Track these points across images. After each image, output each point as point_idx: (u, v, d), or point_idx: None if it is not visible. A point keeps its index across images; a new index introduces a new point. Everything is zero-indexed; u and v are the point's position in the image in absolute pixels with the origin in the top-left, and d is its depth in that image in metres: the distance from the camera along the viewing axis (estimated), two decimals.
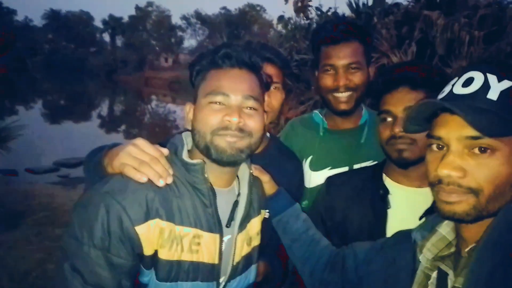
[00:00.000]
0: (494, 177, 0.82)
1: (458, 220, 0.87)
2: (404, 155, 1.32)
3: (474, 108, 0.84)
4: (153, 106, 29.64)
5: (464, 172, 0.84)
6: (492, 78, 0.86)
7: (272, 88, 1.59)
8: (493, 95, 0.84)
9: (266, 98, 1.54)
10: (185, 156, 1.15)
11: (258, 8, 62.64)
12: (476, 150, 0.83)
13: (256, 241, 1.33)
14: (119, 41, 69.41)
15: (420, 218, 1.30)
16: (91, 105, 27.96)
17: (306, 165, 1.82)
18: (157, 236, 1.06)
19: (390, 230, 1.37)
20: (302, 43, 7.50)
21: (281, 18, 9.22)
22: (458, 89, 0.89)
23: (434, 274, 0.95)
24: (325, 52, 1.75)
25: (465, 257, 0.89)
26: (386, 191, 1.42)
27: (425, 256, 0.97)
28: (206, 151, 1.12)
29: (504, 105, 0.83)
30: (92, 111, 24.57)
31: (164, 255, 1.08)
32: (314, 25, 7.78)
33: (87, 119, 21.45)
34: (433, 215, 1.02)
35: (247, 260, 1.28)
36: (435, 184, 0.88)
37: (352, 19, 6.48)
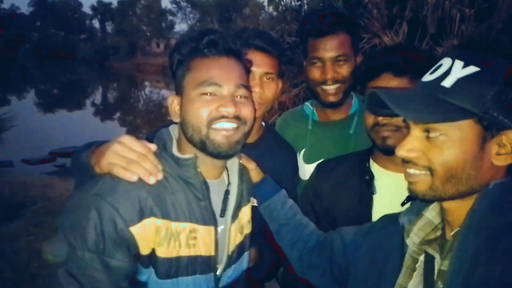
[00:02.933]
0: (444, 160, 0.86)
1: (419, 199, 0.93)
2: (388, 142, 1.33)
3: (424, 96, 0.88)
4: (147, 93, 29.45)
5: (419, 152, 0.89)
6: (457, 65, 0.87)
7: (265, 78, 1.58)
8: (447, 82, 0.87)
9: (258, 89, 1.54)
10: (175, 151, 1.14)
11: None
12: (430, 134, 0.87)
13: (247, 229, 1.35)
14: (109, 27, 68.26)
15: (403, 204, 1.33)
16: (84, 93, 27.69)
17: (300, 158, 1.84)
18: (153, 235, 1.05)
19: (376, 215, 1.40)
20: (293, 25, 7.42)
21: (271, 0, 9.09)
22: (426, 77, 0.93)
23: (422, 258, 0.97)
24: (312, 45, 1.73)
25: (450, 241, 0.92)
26: (372, 177, 1.44)
27: (412, 240, 0.99)
28: (202, 145, 1.10)
29: (457, 91, 0.85)
30: (86, 99, 24.37)
31: (163, 253, 1.07)
32: (305, 7, 7.70)
33: (81, 107, 21.30)
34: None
35: (240, 248, 1.30)
36: (402, 163, 0.95)
37: (339, 7, 6.43)
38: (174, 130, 1.21)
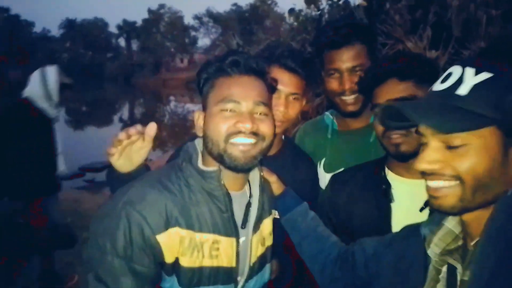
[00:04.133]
0: (470, 169, 0.83)
1: (446, 213, 0.90)
2: (402, 149, 1.32)
3: (440, 105, 0.86)
4: (172, 107, 30.01)
5: (441, 164, 0.86)
6: (469, 72, 0.86)
7: (291, 98, 1.59)
8: (463, 90, 0.85)
9: (282, 109, 1.56)
10: (200, 164, 1.17)
11: (269, 1, 62.21)
12: (451, 145, 0.85)
13: (269, 241, 1.36)
14: (134, 45, 70.33)
15: (421, 210, 1.33)
16: (111, 109, 28.51)
17: (320, 167, 1.83)
18: (177, 244, 1.09)
19: (395, 224, 1.38)
20: (313, 35, 7.43)
21: (292, 11, 9.13)
22: (437, 86, 0.91)
23: (444, 268, 0.95)
24: (328, 57, 1.74)
25: (471, 250, 0.89)
26: (388, 185, 1.42)
27: (433, 250, 0.97)
28: (220, 159, 1.15)
29: (474, 99, 0.83)
30: (113, 115, 25.08)
31: (186, 262, 1.11)
32: (326, 16, 7.70)
33: (109, 123, 21.91)
34: None
35: (262, 260, 1.32)
36: (422, 175, 0.92)
37: (359, 15, 6.38)
38: (199, 144, 1.25)
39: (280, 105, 1.55)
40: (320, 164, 1.84)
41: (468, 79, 0.85)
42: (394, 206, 1.40)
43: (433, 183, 0.89)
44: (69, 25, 69.94)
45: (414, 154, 1.29)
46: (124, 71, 54.18)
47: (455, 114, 0.83)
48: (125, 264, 1.03)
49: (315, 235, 1.39)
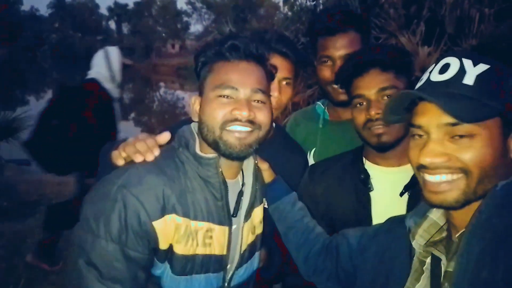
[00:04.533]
0: (478, 160, 0.83)
1: (447, 208, 0.89)
2: (383, 139, 1.33)
3: (449, 95, 0.84)
4: (162, 93, 29.71)
5: (446, 156, 0.85)
6: (467, 63, 0.86)
7: (283, 83, 1.56)
8: (468, 80, 0.85)
9: (276, 94, 1.53)
10: (198, 149, 1.15)
11: None
12: (456, 136, 0.84)
13: (259, 229, 1.35)
14: (125, 28, 69.25)
15: (401, 194, 1.35)
16: None
17: (310, 157, 1.82)
18: (172, 231, 1.07)
19: (375, 213, 1.40)
20: (308, 25, 7.39)
21: (286, 0, 9.07)
22: (435, 76, 0.90)
23: (428, 260, 0.96)
24: (322, 44, 1.73)
25: (456, 242, 0.90)
26: (367, 175, 1.43)
27: (418, 242, 0.97)
28: (215, 146, 1.12)
29: (480, 89, 0.84)
30: None
31: (180, 250, 1.09)
32: (320, 7, 7.65)
33: None
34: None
35: (252, 248, 1.31)
36: (419, 169, 0.90)
37: (350, 5, 6.35)
38: (195, 128, 1.22)
39: (273, 90, 1.51)
40: (310, 153, 1.83)
41: (470, 69, 0.85)
42: (373, 195, 1.42)
43: (434, 178, 0.86)
44: (58, 4, 68.41)
45: (394, 144, 1.34)
46: None
47: (465, 103, 0.82)
48: (119, 249, 1.00)
49: (301, 225, 1.39)
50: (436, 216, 0.99)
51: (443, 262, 0.91)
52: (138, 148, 1.13)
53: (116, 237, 1.00)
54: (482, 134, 0.83)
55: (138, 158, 1.11)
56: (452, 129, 0.84)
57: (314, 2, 7.96)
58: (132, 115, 19.90)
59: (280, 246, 1.50)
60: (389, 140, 1.33)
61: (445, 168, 0.85)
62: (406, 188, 1.35)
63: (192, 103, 1.21)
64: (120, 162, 1.13)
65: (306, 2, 8.23)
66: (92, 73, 3.63)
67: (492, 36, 4.87)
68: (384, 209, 1.36)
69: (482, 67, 0.85)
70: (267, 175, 1.41)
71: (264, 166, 1.40)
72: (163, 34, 63.86)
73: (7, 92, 22.92)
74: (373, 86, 1.32)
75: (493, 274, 0.77)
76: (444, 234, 0.97)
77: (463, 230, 0.87)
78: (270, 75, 1.24)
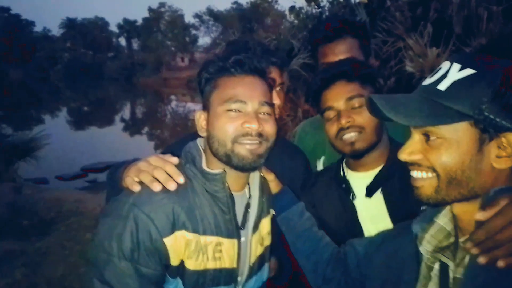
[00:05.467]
0: (442, 162, 0.86)
1: (425, 204, 0.93)
2: (356, 146, 1.36)
3: (421, 99, 0.88)
4: (173, 106, 30.04)
5: (421, 155, 0.89)
6: (454, 68, 0.87)
7: (277, 89, 1.58)
8: (443, 85, 0.86)
9: (277, 101, 1.54)
10: (204, 165, 1.17)
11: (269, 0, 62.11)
12: (430, 138, 0.88)
13: (267, 241, 1.37)
14: (135, 44, 70.35)
15: (367, 195, 1.40)
16: (113, 109, 28.53)
17: (320, 165, 1.84)
18: (183, 247, 1.10)
19: (363, 220, 1.43)
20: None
21: (292, 8, 9.12)
22: (426, 81, 0.93)
23: (437, 266, 0.96)
24: (322, 52, 1.80)
25: (462, 247, 0.90)
26: (348, 184, 1.47)
27: (425, 248, 0.97)
28: (227, 159, 1.14)
29: (451, 94, 0.85)
30: (115, 115, 25.08)
31: (192, 265, 1.11)
32: (326, 13, 7.68)
33: (110, 123, 21.92)
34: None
35: (261, 259, 1.33)
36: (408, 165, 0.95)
37: (360, 13, 6.35)
38: (201, 144, 1.24)
39: (273, 98, 1.54)
40: (319, 161, 1.85)
41: (451, 74, 0.87)
42: (357, 202, 1.45)
43: (414, 173, 0.92)
44: (70, 24, 69.85)
45: (368, 150, 1.38)
46: (125, 70, 54.14)
47: (430, 109, 0.85)
48: (131, 267, 1.03)
49: (309, 234, 1.40)
50: (443, 221, 0.99)
51: (451, 268, 0.91)
52: (157, 176, 1.11)
53: (128, 255, 1.02)
54: (447, 137, 0.85)
55: (156, 188, 1.09)
56: (425, 131, 0.88)
57: (320, 10, 8.00)
58: (146, 129, 20.17)
59: (290, 255, 1.50)
60: (363, 146, 1.36)
61: (419, 165, 0.90)
62: (369, 189, 1.40)
63: (198, 118, 1.23)
64: (136, 188, 1.10)
65: (311, 9, 8.28)
66: None
67: (501, 34, 4.82)
68: (370, 214, 1.41)
69: (466, 72, 0.85)
70: (274, 186, 1.43)
71: (270, 177, 1.41)
72: (172, 48, 64.63)
73: (23, 112, 23.47)
74: (340, 96, 1.37)
75: (503, 280, 0.78)
76: (452, 240, 0.97)
77: (467, 236, 0.87)
78: (270, 87, 1.27)
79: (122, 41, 73.44)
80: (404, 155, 0.92)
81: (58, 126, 17.49)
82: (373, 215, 1.39)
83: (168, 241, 1.06)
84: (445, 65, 0.90)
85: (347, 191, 1.46)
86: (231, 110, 1.14)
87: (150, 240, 1.04)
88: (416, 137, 0.91)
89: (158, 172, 1.12)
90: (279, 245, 1.48)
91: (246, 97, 1.14)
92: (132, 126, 21.05)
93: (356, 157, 1.41)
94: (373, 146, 1.38)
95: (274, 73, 1.55)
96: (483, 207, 0.82)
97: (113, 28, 73.09)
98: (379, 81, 1.72)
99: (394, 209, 1.38)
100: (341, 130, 1.37)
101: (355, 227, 1.43)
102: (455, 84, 0.85)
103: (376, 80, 1.47)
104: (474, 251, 0.80)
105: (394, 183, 1.39)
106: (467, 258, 0.86)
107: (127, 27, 69.42)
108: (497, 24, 5.04)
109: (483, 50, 4.66)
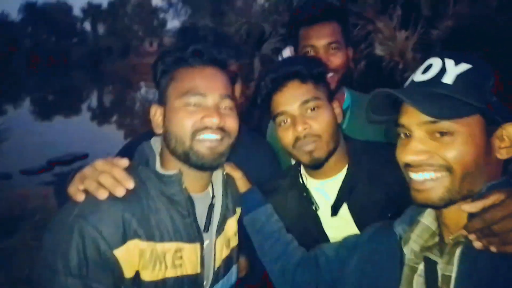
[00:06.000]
0: (459, 157, 0.84)
1: (432, 207, 0.91)
2: (315, 155, 1.27)
3: (427, 93, 0.86)
4: (143, 93, 29.33)
5: (429, 154, 0.86)
6: (449, 62, 0.87)
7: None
8: (448, 79, 0.86)
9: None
10: (158, 167, 1.09)
11: None
12: (437, 134, 0.85)
13: (234, 242, 1.31)
14: (100, 29, 67.93)
15: (333, 215, 1.33)
16: (80, 97, 27.62)
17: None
18: (137, 258, 1.02)
19: (329, 229, 1.37)
20: (286, 16, 7.33)
21: None
22: (418, 77, 0.91)
23: (421, 266, 0.95)
24: (305, 33, 1.72)
25: (450, 243, 0.89)
26: (308, 193, 1.40)
27: (412, 248, 0.96)
28: (185, 157, 1.07)
29: (459, 87, 0.85)
30: (82, 104, 24.30)
31: (148, 276, 1.03)
32: None
33: (77, 112, 21.23)
34: (410, 206, 1.02)
35: (228, 262, 1.27)
36: (405, 168, 0.91)
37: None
38: (155, 143, 1.16)
39: None
40: None
41: (450, 69, 0.87)
42: (321, 214, 1.38)
43: (418, 176, 0.88)
44: (30, 8, 66.58)
45: (327, 158, 1.29)
46: (91, 56, 52.36)
47: (443, 102, 0.84)
48: (80, 283, 0.94)
49: (278, 237, 1.35)
50: (428, 220, 0.98)
51: (440, 266, 0.90)
52: (103, 182, 1.02)
53: (75, 271, 0.94)
54: (462, 131, 0.84)
55: (102, 195, 1.00)
56: (432, 127, 0.85)
57: None
58: (115, 117, 19.66)
59: None
60: (322, 155, 1.27)
61: (428, 165, 0.86)
62: (334, 207, 1.34)
63: (153, 114, 1.14)
64: (80, 197, 1.01)
65: None
66: None
67: (467, 17, 4.89)
68: (335, 225, 1.35)
69: (464, 67, 0.86)
70: (242, 184, 1.36)
71: (237, 175, 1.35)
72: (140, 33, 62.89)
73: None
74: (294, 100, 1.26)
75: (496, 275, 0.80)
76: (437, 239, 0.96)
77: (458, 232, 0.87)
78: (232, 79, 1.20)
79: (87, 26, 70.81)
80: (411, 156, 0.87)
81: (21, 117, 16.81)
82: (339, 226, 1.32)
83: (119, 252, 0.98)
84: (435, 61, 0.89)
85: (308, 201, 1.39)
86: (189, 104, 1.07)
87: (98, 254, 0.95)
88: (420, 135, 0.87)
89: (104, 178, 1.02)
90: (249, 244, 1.42)
91: (206, 89, 1.07)
92: (100, 115, 20.54)
93: (315, 167, 1.32)
94: (331, 154, 1.30)
95: (233, 66, 1.44)
96: (474, 200, 0.83)
97: (77, 12, 70.36)
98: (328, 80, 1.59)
99: (362, 220, 1.31)
100: (298, 139, 1.27)
101: (320, 236, 1.37)
102: (460, 77, 0.86)
103: (325, 79, 1.37)
104: (471, 237, 0.81)
105: (359, 194, 1.32)
106: (456, 255, 0.86)
107: (92, 11, 66.83)
108: (463, 7, 5.11)
109: (452, 32, 4.72)
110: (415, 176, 0.88)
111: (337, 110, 1.34)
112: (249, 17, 9.02)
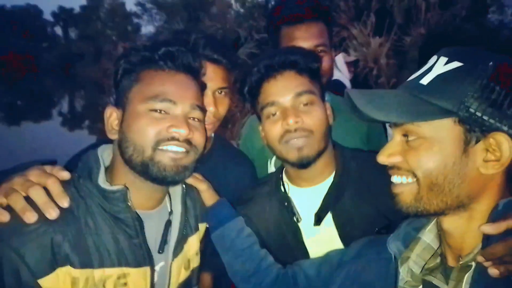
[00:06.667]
0: (422, 163, 0.78)
1: (404, 212, 0.85)
2: (304, 152, 1.17)
3: (393, 95, 0.81)
4: (115, 98, 28.81)
5: (399, 157, 0.82)
6: (440, 61, 0.80)
7: (217, 93, 1.36)
8: (426, 79, 0.80)
9: (212, 108, 1.32)
10: (101, 181, 0.96)
11: None
12: (409, 138, 0.81)
13: (195, 262, 1.18)
14: (72, 34, 66.36)
15: (315, 224, 1.23)
16: (50, 102, 26.81)
17: (271, 165, 1.68)
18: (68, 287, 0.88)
19: (310, 243, 1.27)
20: (261, 21, 7.37)
21: None
22: (412, 76, 0.87)
23: None
24: (287, 33, 1.55)
25: (457, 268, 0.80)
26: (290, 202, 1.29)
27: (412, 269, 0.86)
28: (143, 169, 0.96)
29: (432, 89, 0.78)
30: (52, 109, 23.58)
31: None
32: (272, 3, 7.64)
33: (47, 118, 20.57)
34: (404, 221, 0.95)
35: (187, 285, 1.14)
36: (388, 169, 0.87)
37: None
38: (104, 152, 1.05)
39: (208, 104, 1.30)
40: (271, 162, 1.69)
41: (436, 68, 0.79)
42: (302, 226, 1.28)
43: (393, 178, 0.84)
44: None
45: (315, 158, 1.20)
46: (62, 61, 50.99)
47: (411, 105, 0.77)
48: None
49: (250, 254, 1.22)
50: (429, 238, 0.89)
51: None
52: (34, 197, 0.88)
53: None
54: (428, 136, 0.77)
55: (30, 218, 0.86)
56: (405, 130, 0.81)
57: None
58: (86, 122, 19.15)
59: None
60: (311, 153, 1.18)
61: (397, 169, 0.82)
62: (317, 216, 1.23)
63: (108, 117, 1.03)
64: (4, 218, 0.86)
65: None
66: (336, 75, 4.08)
67: (438, 24, 5.03)
68: (317, 239, 1.25)
69: (452, 65, 0.78)
70: (208, 197, 1.24)
71: (203, 187, 1.22)
72: (113, 37, 61.83)
73: None
74: (288, 91, 1.17)
75: None
76: (438, 259, 0.87)
77: (467, 257, 0.78)
78: (202, 87, 1.11)
79: (58, 30, 69.03)
80: (383, 157, 0.84)
81: None
82: (322, 240, 1.22)
83: (46, 282, 0.85)
84: (433, 59, 0.83)
85: (289, 211, 1.27)
86: (155, 110, 0.97)
87: (19, 284, 0.81)
88: (397, 137, 0.83)
89: (35, 193, 0.88)
90: (216, 258, 1.31)
91: (176, 97, 0.98)
92: (72, 120, 20.02)
93: (303, 166, 1.21)
94: (320, 154, 1.20)
95: (217, 75, 1.34)
96: (492, 220, 0.73)
97: (48, 16, 68.53)
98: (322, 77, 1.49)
99: (347, 232, 1.21)
100: (288, 132, 1.17)
101: (299, 250, 1.25)
102: (439, 77, 0.77)
103: (319, 74, 1.28)
104: (487, 264, 0.70)
105: (345, 203, 1.21)
106: (465, 282, 0.76)
107: (63, 15, 65.27)
108: (434, 14, 5.27)
109: (424, 39, 4.85)
110: (392, 177, 0.85)
111: (329, 112, 1.26)
112: (224, 22, 9.02)
